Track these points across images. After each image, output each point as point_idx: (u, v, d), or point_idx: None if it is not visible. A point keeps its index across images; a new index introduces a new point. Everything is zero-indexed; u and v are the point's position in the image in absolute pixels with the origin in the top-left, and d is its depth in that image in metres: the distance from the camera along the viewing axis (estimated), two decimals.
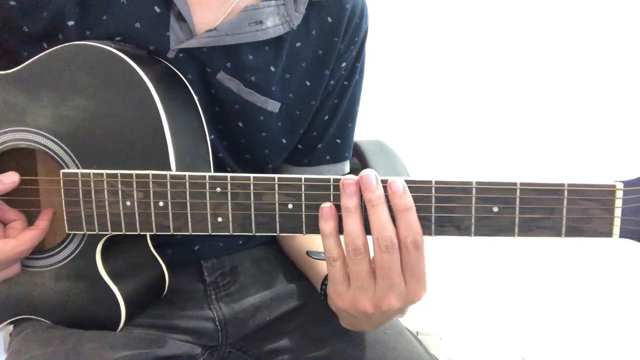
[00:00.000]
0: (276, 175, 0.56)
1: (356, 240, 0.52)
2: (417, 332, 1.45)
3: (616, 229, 0.51)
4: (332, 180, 0.55)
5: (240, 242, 0.78)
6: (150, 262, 0.70)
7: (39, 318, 0.67)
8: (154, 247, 0.71)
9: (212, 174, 0.58)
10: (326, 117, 0.76)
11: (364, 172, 0.53)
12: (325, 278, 0.65)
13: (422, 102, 1.60)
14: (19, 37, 0.64)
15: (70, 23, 0.63)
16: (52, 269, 0.65)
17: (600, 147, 1.46)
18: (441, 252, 1.54)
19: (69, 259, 0.64)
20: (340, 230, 0.54)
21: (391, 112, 1.60)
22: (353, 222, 0.52)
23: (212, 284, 0.75)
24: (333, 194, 0.55)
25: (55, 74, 0.61)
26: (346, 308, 0.56)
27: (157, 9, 0.63)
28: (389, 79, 1.57)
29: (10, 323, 0.70)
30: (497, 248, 1.64)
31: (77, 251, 0.64)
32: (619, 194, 0.51)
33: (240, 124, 0.71)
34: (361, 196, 0.53)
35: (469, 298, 1.69)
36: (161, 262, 0.71)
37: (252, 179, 0.57)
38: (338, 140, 0.78)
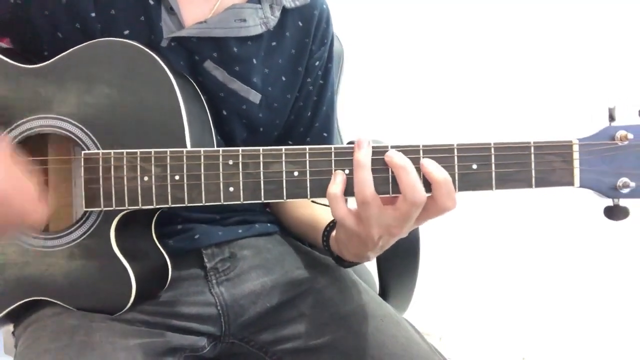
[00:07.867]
0: (283, 147, 0.64)
1: (365, 190, 0.59)
2: None
3: (576, 179, 0.61)
4: (333, 149, 0.63)
5: (240, 230, 0.82)
6: (154, 252, 0.75)
7: (49, 299, 0.70)
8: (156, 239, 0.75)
9: (225, 148, 0.65)
10: (309, 114, 0.86)
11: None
12: (325, 229, 0.74)
13: (421, 102, 1.68)
14: (39, 23, 0.71)
15: (92, 15, 0.71)
16: (65, 248, 0.69)
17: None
18: (441, 252, 1.58)
19: (83, 237, 0.68)
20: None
21: (390, 113, 1.68)
22: (364, 174, 0.60)
23: (212, 269, 0.78)
24: (335, 160, 0.63)
25: (83, 66, 0.68)
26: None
27: (151, 1, 0.73)
28: (389, 80, 1.64)
29: (18, 308, 0.71)
30: (497, 248, 1.68)
31: (91, 229, 0.68)
32: (576, 148, 0.60)
33: (225, 112, 0.79)
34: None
35: (469, 298, 1.71)
36: (164, 252, 0.75)
37: (261, 150, 0.64)
38: (325, 134, 0.88)
